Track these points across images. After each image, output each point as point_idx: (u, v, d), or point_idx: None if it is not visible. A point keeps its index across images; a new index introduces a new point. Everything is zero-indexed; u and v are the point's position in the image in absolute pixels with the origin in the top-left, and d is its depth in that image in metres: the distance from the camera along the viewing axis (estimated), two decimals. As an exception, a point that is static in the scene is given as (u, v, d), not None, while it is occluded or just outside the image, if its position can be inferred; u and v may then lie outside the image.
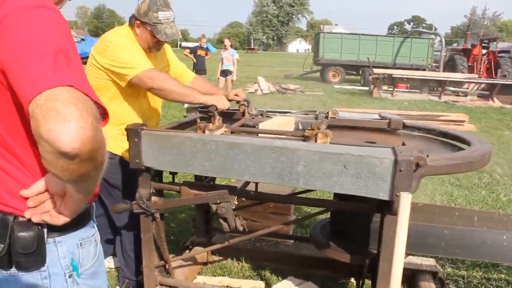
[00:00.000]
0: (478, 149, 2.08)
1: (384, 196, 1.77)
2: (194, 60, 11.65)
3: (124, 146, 2.45)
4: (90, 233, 1.19)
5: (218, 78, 11.88)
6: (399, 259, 1.71)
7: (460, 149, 2.33)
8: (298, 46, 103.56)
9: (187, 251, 2.99)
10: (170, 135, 2.01)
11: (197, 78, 2.92)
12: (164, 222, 3.81)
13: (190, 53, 11.81)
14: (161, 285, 2.46)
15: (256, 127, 2.39)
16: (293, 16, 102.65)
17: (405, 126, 2.70)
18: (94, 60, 2.38)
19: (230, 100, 2.73)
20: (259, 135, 2.14)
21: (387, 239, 1.87)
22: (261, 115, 2.65)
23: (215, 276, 2.94)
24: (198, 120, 2.73)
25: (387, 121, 2.68)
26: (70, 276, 1.12)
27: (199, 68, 11.67)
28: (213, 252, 3.12)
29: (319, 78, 21.47)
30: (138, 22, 2.40)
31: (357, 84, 19.49)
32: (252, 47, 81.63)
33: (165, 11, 2.38)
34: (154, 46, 2.46)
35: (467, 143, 2.32)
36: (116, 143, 2.43)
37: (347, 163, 1.76)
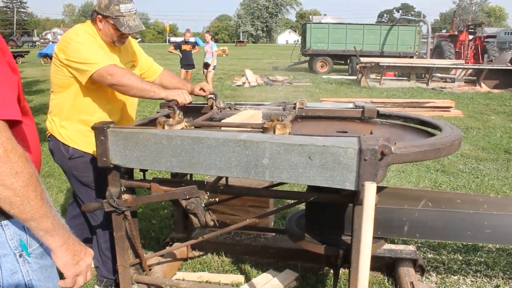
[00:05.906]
0: (447, 135, 2.07)
1: (351, 186, 1.75)
2: (180, 55, 11.57)
3: (93, 143, 2.42)
4: None
5: (203, 71, 11.84)
6: (366, 248, 1.70)
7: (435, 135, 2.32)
8: (288, 38, 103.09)
9: (167, 248, 2.96)
10: (136, 132, 1.98)
11: (165, 72, 2.88)
12: (145, 219, 3.82)
13: (175, 49, 11.71)
14: (137, 282, 2.44)
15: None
16: (282, 8, 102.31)
17: (379, 114, 2.69)
18: (56, 58, 2.35)
19: (195, 95, 2.70)
20: (222, 128, 2.11)
21: (358, 229, 1.86)
22: (229, 108, 2.62)
23: (194, 271, 2.92)
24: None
25: (361, 110, 2.66)
26: (20, 256, 1.17)
27: (186, 63, 11.60)
28: (193, 248, 3.10)
29: (307, 68, 21.43)
30: (100, 16, 2.36)
31: (345, 74, 19.46)
32: (241, 40, 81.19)
33: (126, 3, 2.35)
34: (118, 40, 2.43)
35: (439, 128, 2.31)
36: (85, 140, 2.40)
37: (312, 154, 1.74)
